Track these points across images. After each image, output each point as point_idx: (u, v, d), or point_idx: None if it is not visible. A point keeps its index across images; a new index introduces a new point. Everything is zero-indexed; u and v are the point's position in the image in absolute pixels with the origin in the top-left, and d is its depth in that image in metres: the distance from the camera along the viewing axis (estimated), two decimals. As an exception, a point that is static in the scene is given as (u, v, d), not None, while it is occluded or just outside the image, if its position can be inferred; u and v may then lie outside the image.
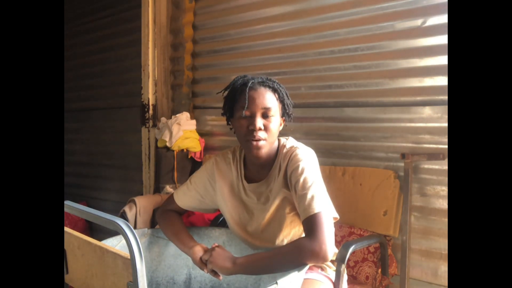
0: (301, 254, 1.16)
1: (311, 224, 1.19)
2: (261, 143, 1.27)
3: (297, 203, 1.26)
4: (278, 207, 1.33)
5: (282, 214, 1.33)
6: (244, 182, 1.38)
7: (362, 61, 2.03)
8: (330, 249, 1.17)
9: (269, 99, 1.29)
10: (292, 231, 1.34)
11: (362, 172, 1.94)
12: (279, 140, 1.38)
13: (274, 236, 1.34)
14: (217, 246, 1.27)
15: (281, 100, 1.33)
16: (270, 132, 1.28)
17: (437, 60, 1.81)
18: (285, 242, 1.33)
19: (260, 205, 1.36)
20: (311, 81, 2.20)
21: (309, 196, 1.22)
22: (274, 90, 1.31)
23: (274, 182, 1.33)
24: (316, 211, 1.20)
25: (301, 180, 1.24)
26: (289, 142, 1.36)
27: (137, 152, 2.95)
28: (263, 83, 1.31)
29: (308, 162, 1.28)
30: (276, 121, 1.30)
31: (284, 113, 1.35)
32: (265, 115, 1.28)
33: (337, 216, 1.30)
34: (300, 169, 1.26)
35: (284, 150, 1.33)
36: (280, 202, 1.33)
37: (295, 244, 1.20)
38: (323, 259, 1.17)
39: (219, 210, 1.47)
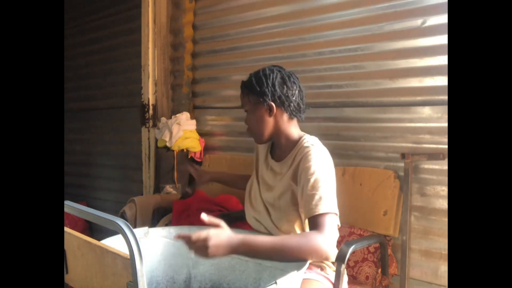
0: (307, 248, 1.15)
1: (319, 222, 1.22)
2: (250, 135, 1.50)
3: (304, 201, 1.28)
4: (282, 193, 1.40)
5: (285, 200, 1.40)
6: (269, 156, 1.53)
7: (362, 61, 2.03)
8: (334, 248, 1.20)
9: (241, 98, 1.48)
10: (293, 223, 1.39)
11: (362, 172, 1.94)
12: (301, 135, 1.46)
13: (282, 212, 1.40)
14: (215, 226, 1.12)
15: (252, 91, 1.43)
16: (248, 125, 1.49)
17: (437, 60, 1.81)
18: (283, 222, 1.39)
19: (277, 181, 1.45)
20: (311, 81, 2.20)
21: (318, 196, 1.25)
22: (243, 87, 1.47)
23: (286, 171, 1.41)
24: (327, 211, 1.23)
25: (312, 179, 1.28)
26: (309, 139, 1.42)
27: (137, 152, 2.95)
28: (242, 84, 1.48)
29: (321, 162, 1.32)
30: (251, 115, 1.46)
31: (266, 99, 1.40)
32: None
33: (339, 223, 1.32)
34: (312, 169, 1.29)
35: (301, 145, 1.39)
36: (284, 190, 1.39)
37: (303, 238, 1.19)
38: (326, 257, 1.19)
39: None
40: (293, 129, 1.46)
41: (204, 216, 1.10)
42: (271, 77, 1.41)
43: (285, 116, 1.43)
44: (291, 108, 1.42)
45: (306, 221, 1.30)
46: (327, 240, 1.18)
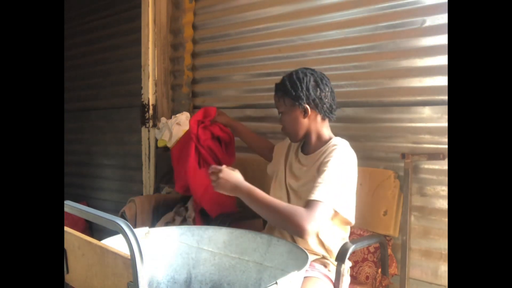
0: (290, 217, 1.28)
1: (310, 205, 1.30)
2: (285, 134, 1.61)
3: (311, 187, 1.35)
4: (306, 183, 1.47)
5: (308, 190, 1.44)
6: (300, 150, 1.62)
7: (362, 61, 2.03)
8: (313, 230, 1.29)
9: (276, 100, 1.57)
10: None
11: (362, 172, 1.93)
12: (331, 136, 1.55)
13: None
14: (226, 167, 1.39)
15: (287, 94, 1.50)
16: (283, 126, 1.58)
17: (437, 60, 1.81)
18: None
19: (302, 172, 1.55)
20: (311, 81, 2.20)
21: (323, 186, 1.33)
22: (278, 90, 1.55)
23: (312, 165, 1.49)
24: (322, 199, 1.30)
25: (325, 172, 1.37)
26: (337, 141, 1.49)
27: (137, 152, 2.95)
28: (275, 86, 1.56)
29: (341, 160, 1.40)
30: (286, 116, 1.54)
31: (301, 102, 1.48)
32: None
33: (352, 221, 1.42)
34: (329, 163, 1.38)
35: (330, 144, 1.48)
36: (308, 181, 1.45)
37: (291, 208, 1.32)
38: (301, 233, 1.28)
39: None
40: (325, 129, 1.55)
41: (224, 167, 1.39)
42: (305, 81, 1.47)
43: (319, 117, 1.52)
44: (324, 110, 1.51)
45: None
46: (309, 219, 1.27)
